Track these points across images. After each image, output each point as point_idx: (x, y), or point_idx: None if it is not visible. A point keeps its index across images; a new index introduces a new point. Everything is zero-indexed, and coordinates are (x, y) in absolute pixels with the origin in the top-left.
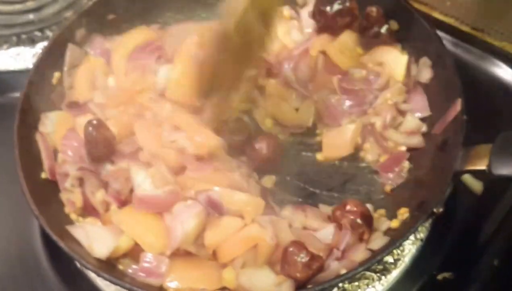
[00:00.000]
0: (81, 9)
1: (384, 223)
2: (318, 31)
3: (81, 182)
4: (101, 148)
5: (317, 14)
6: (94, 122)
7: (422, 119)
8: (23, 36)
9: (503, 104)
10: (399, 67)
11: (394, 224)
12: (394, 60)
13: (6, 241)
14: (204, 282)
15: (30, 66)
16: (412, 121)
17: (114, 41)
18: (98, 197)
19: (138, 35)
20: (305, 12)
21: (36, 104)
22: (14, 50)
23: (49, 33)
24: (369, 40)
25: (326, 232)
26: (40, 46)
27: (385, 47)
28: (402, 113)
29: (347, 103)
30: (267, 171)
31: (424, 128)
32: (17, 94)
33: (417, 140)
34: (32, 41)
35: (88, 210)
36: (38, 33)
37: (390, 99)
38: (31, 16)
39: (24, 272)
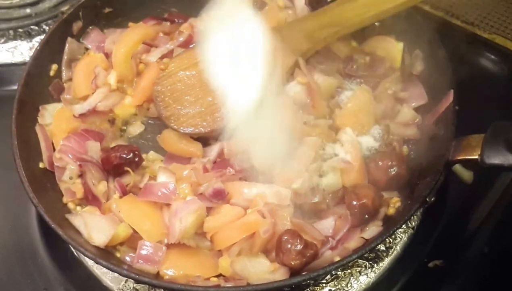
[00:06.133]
0: (78, 3)
1: (381, 211)
2: None
3: (81, 173)
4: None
5: (314, 1)
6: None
7: (416, 109)
8: (20, 30)
9: (494, 96)
10: (396, 53)
11: (390, 211)
12: (391, 47)
13: (3, 229)
14: (200, 270)
15: (27, 59)
16: (408, 112)
17: (111, 35)
18: (101, 187)
19: (137, 32)
20: (299, 1)
21: (34, 95)
22: (11, 44)
23: (45, 27)
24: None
25: (326, 224)
26: (37, 40)
27: (380, 36)
28: (400, 101)
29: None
30: None
31: (418, 119)
32: (14, 87)
33: (412, 131)
34: (28, 35)
35: (88, 200)
36: (34, 27)
37: (389, 88)
38: (28, 10)
39: (21, 260)
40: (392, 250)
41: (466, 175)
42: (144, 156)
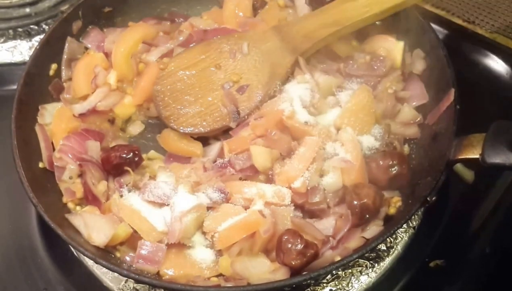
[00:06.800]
0: (77, 2)
1: (382, 211)
2: None
3: (81, 172)
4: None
5: (314, 1)
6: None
7: (417, 109)
8: (20, 30)
9: (495, 95)
10: (396, 53)
11: (391, 211)
12: (391, 47)
13: (3, 229)
14: (200, 270)
15: (27, 59)
16: (409, 112)
17: (111, 34)
18: (100, 187)
19: (137, 32)
20: (300, 0)
21: (33, 95)
22: (11, 43)
23: (45, 26)
24: (364, 32)
25: (327, 224)
26: (37, 39)
27: (380, 36)
28: (400, 100)
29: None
30: None
31: (419, 118)
32: (14, 87)
33: (413, 131)
34: (28, 35)
35: (88, 199)
36: (34, 27)
37: (389, 87)
38: (27, 10)
39: (20, 260)
40: (393, 249)
41: (468, 174)
42: (144, 155)
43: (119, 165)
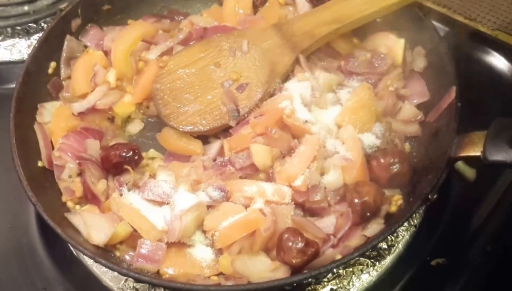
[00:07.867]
0: (76, 0)
1: (383, 209)
2: None
3: (81, 171)
4: None
5: None
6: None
7: (418, 107)
8: (18, 28)
9: (496, 92)
10: (397, 50)
11: (392, 209)
12: (392, 44)
13: (1, 228)
14: (200, 268)
15: (25, 57)
16: (410, 110)
17: (110, 32)
18: (100, 186)
19: (136, 30)
20: None
21: (32, 93)
22: (9, 41)
23: (43, 24)
24: (364, 29)
25: (328, 222)
26: (35, 37)
27: (381, 33)
28: (401, 98)
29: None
30: None
31: (420, 116)
32: (12, 85)
33: (414, 129)
34: (27, 33)
35: (87, 198)
36: (33, 25)
37: (390, 85)
38: (26, 8)
39: (19, 260)
40: (394, 248)
41: (469, 172)
42: (143, 154)
43: (119, 163)
